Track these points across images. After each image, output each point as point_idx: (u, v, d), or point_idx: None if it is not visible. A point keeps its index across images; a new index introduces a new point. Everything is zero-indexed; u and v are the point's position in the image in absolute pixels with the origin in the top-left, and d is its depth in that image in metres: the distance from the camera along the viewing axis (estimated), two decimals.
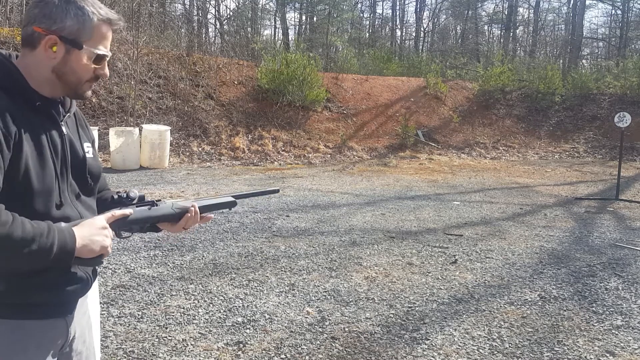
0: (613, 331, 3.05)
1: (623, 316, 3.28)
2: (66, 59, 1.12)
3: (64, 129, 1.18)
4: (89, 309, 1.34)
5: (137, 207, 1.29)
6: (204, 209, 1.41)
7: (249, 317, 3.15)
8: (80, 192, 1.21)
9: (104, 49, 1.17)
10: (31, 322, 1.12)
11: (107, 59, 1.21)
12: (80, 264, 1.14)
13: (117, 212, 1.22)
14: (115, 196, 1.32)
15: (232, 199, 1.47)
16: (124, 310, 3.22)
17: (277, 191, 1.63)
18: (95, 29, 1.14)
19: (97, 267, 1.29)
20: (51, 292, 1.13)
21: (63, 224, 1.07)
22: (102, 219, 1.16)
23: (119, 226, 1.25)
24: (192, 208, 1.36)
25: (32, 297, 1.11)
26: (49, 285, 1.12)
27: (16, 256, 0.98)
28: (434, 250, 4.77)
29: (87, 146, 1.25)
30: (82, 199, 1.21)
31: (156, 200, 1.34)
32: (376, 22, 32.85)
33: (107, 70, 1.22)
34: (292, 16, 29.82)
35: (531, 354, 2.75)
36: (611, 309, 3.39)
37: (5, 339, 1.09)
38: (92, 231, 1.11)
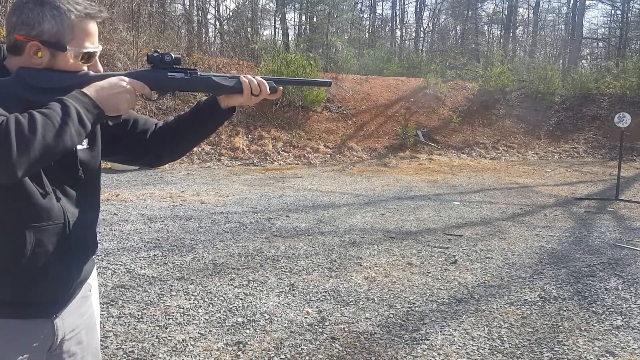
0: (613, 331, 3.05)
1: (623, 316, 3.28)
2: (52, 62, 1.09)
3: None
4: (93, 310, 1.31)
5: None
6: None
7: (248, 318, 3.15)
8: (67, 184, 1.16)
9: (91, 45, 1.13)
10: (13, 322, 1.10)
11: (97, 54, 1.16)
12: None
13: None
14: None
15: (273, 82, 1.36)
16: (123, 311, 3.22)
17: (328, 84, 1.49)
18: (76, 27, 1.09)
19: (92, 267, 1.27)
20: (26, 289, 1.10)
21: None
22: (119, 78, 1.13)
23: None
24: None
25: (8, 294, 1.09)
26: (23, 282, 1.10)
27: (58, 143, 0.96)
28: (434, 250, 4.77)
29: None
30: (68, 192, 1.16)
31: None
32: (376, 23, 32.88)
33: (100, 67, 1.18)
34: (292, 16, 29.83)
35: (531, 354, 2.75)
36: (611, 309, 3.39)
37: None
38: (108, 85, 1.09)
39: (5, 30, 1.11)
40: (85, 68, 1.14)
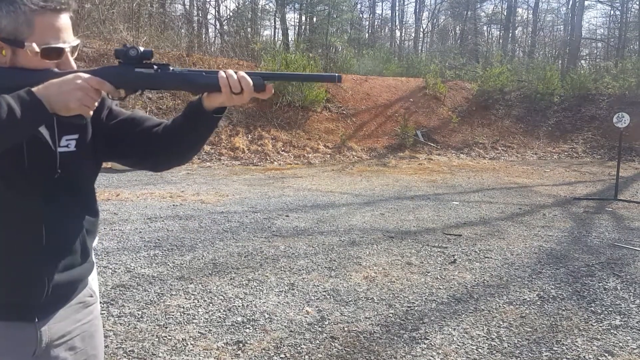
0: (612, 331, 3.06)
1: (622, 316, 3.29)
2: (14, 60, 1.05)
3: None
4: (95, 317, 1.30)
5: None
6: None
7: (248, 317, 3.16)
8: (47, 187, 1.11)
9: (54, 40, 1.05)
10: None
11: (66, 50, 1.08)
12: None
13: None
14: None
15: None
16: (124, 310, 3.23)
17: (335, 78, 1.20)
18: (35, 21, 1.03)
19: (84, 273, 1.24)
20: (1, 290, 1.09)
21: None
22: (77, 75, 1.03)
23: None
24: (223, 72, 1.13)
25: None
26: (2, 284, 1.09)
27: None
28: (433, 250, 4.78)
29: (67, 139, 1.14)
30: (49, 196, 1.12)
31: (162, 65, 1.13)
32: (375, 23, 32.90)
33: (73, 64, 1.10)
34: (291, 17, 29.84)
35: (530, 354, 2.76)
36: (610, 309, 3.40)
37: None
38: (61, 82, 1.00)
39: None
40: (52, 65, 1.06)
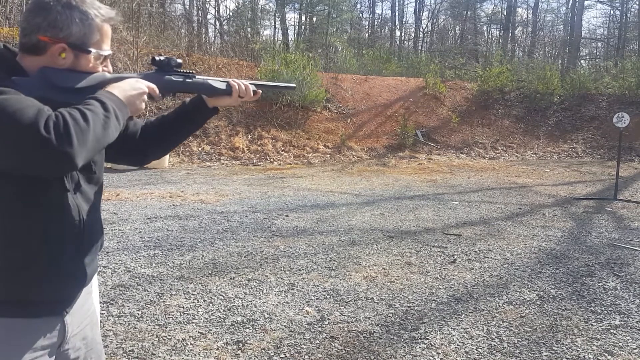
0: (611, 331, 3.06)
1: (621, 316, 3.29)
2: (75, 63, 1.14)
3: None
4: (94, 305, 1.33)
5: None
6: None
7: (248, 317, 3.16)
8: (83, 181, 1.19)
9: (107, 48, 1.19)
10: (25, 321, 1.11)
11: (110, 55, 1.23)
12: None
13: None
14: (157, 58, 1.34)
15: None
16: (123, 310, 3.22)
17: (293, 87, 1.75)
18: (99, 31, 1.16)
19: (96, 264, 1.29)
20: (41, 287, 1.11)
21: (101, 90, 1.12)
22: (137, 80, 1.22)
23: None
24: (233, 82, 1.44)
25: (22, 294, 1.10)
26: (37, 281, 1.10)
27: (105, 136, 1.04)
28: (433, 249, 4.78)
29: None
30: (83, 189, 1.19)
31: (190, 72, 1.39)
32: (375, 23, 32.92)
33: (110, 67, 1.24)
34: (291, 17, 29.85)
35: (530, 354, 2.76)
36: (609, 309, 3.40)
37: (0, 338, 1.09)
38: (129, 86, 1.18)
39: (20, 30, 1.12)
40: (101, 69, 1.20)
